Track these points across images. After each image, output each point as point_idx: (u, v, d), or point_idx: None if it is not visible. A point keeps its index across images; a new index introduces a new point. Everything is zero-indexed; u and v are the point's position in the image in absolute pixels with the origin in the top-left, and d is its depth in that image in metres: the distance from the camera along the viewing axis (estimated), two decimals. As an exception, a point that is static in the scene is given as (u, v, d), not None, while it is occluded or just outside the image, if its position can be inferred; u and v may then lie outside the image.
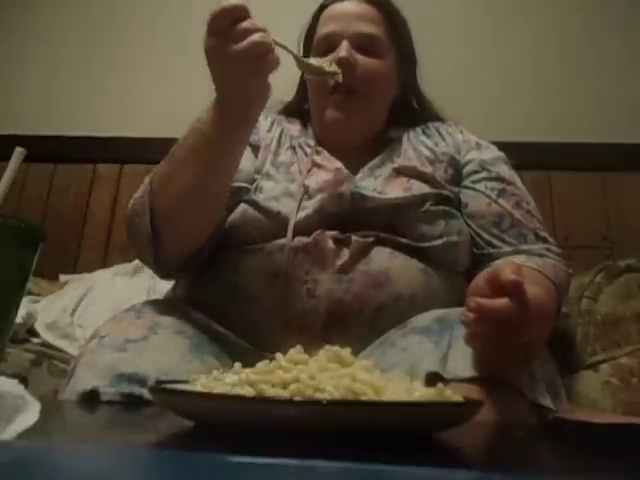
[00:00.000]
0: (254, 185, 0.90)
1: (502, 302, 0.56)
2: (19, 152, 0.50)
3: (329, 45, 0.94)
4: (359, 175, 0.90)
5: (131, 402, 0.63)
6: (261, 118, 1.02)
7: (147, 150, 1.82)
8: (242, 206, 0.88)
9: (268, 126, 1.01)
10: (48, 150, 1.79)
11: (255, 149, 0.97)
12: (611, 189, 1.66)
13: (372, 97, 0.95)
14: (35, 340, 1.29)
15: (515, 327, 0.57)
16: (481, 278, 0.60)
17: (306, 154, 0.94)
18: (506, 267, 0.58)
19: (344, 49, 0.91)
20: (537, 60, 1.79)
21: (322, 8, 1.01)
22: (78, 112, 1.91)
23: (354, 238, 0.81)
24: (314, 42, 0.99)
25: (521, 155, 1.57)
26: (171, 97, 1.87)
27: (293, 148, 0.96)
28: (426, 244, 0.82)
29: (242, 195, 0.88)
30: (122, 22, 2.00)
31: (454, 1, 1.89)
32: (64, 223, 1.78)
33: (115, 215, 1.79)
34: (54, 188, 1.84)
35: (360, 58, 0.92)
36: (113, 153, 1.85)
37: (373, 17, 0.96)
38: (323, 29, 0.97)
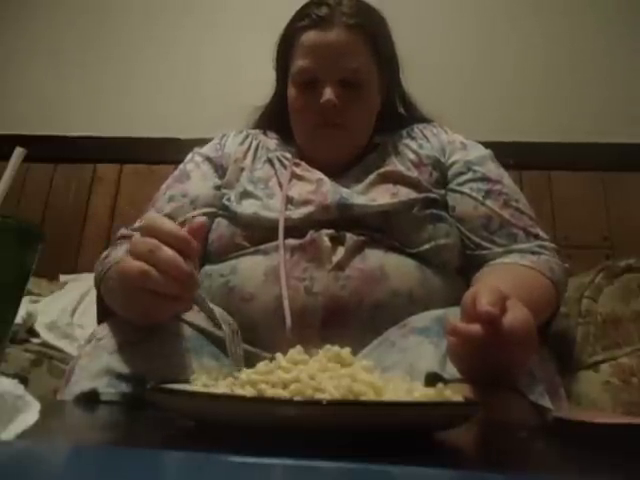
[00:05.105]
0: (227, 197, 0.90)
1: (476, 328, 0.56)
2: (19, 152, 0.50)
3: (309, 79, 0.91)
4: (343, 183, 0.89)
5: (131, 402, 0.63)
6: (231, 134, 1.02)
7: (147, 150, 1.82)
8: (222, 222, 0.88)
9: (240, 140, 1.00)
10: (48, 150, 1.79)
11: (218, 168, 0.97)
12: (611, 189, 1.65)
13: (359, 130, 0.94)
14: (35, 340, 1.29)
15: (492, 352, 0.56)
16: (470, 296, 0.59)
17: (285, 167, 0.93)
18: (484, 295, 0.57)
19: (328, 93, 0.88)
20: (538, 60, 1.79)
21: (299, 29, 0.93)
22: (78, 112, 1.91)
23: (348, 235, 0.81)
24: (291, 69, 0.94)
25: (521, 155, 1.59)
26: (171, 97, 1.88)
27: (270, 161, 0.95)
28: (414, 250, 0.83)
29: (209, 218, 0.89)
30: (122, 22, 2.00)
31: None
32: (64, 223, 1.78)
33: (115, 215, 1.79)
34: (54, 188, 1.84)
35: (344, 95, 0.90)
36: (113, 153, 1.85)
37: (355, 46, 0.90)
38: (302, 61, 0.91)
